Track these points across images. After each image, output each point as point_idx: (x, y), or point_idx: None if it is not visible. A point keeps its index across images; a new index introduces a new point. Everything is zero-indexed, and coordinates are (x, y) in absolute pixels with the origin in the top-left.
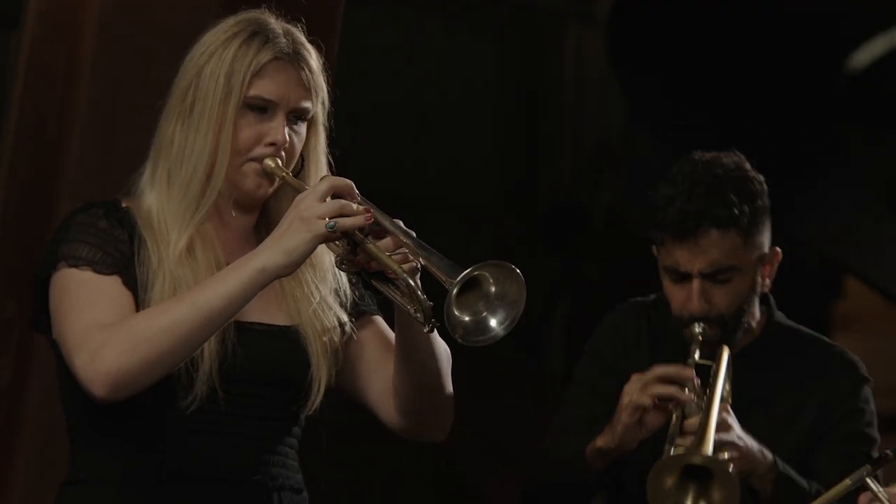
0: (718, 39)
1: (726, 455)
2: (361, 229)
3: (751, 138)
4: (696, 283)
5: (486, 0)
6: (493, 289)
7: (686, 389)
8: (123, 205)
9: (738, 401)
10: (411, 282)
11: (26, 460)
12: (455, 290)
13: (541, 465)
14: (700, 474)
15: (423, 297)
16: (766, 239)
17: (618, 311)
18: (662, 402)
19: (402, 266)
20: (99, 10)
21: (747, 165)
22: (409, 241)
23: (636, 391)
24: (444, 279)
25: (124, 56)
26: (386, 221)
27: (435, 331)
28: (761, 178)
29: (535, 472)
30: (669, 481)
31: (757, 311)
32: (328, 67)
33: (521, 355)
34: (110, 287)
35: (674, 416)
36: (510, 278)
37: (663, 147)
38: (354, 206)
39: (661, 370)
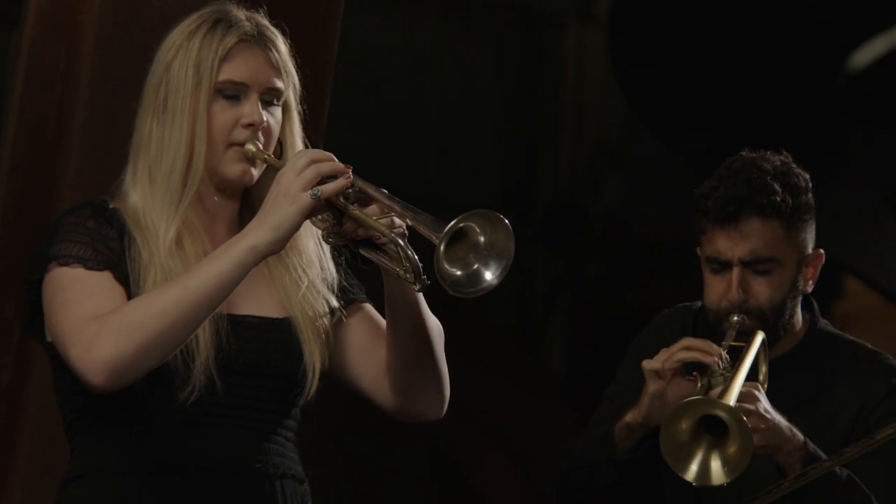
0: (719, 39)
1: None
2: (346, 196)
3: (750, 138)
4: (735, 271)
5: (486, 0)
6: (481, 239)
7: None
8: (111, 206)
9: (781, 403)
10: (400, 241)
11: (26, 460)
12: (443, 244)
13: (574, 449)
14: (717, 429)
15: (412, 255)
16: (809, 238)
17: (664, 315)
18: (688, 376)
19: (391, 228)
20: (98, 9)
21: (793, 163)
22: (394, 204)
23: (660, 360)
24: (431, 235)
25: (124, 56)
26: (370, 189)
27: (426, 303)
28: (807, 176)
29: (568, 457)
30: (685, 428)
31: (800, 316)
32: (295, 51)
33: (522, 354)
34: (102, 282)
35: (698, 384)
36: (497, 227)
37: (663, 147)
38: (331, 167)
39: (687, 341)
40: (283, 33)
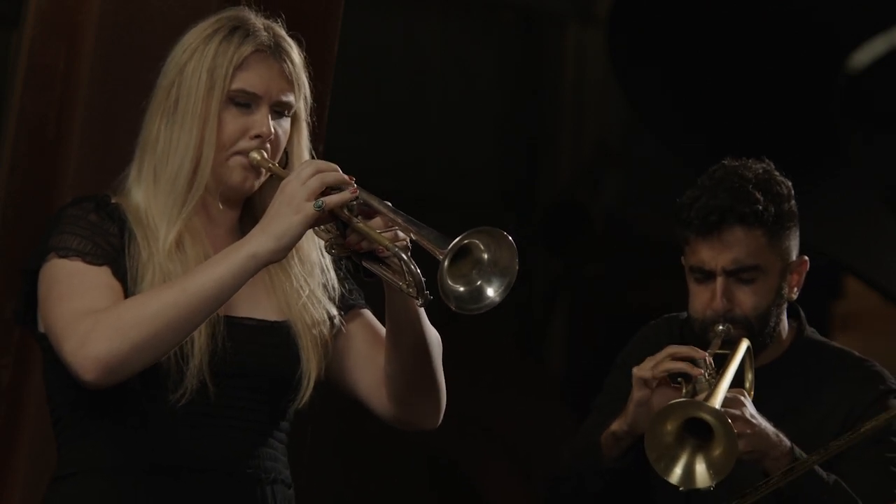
0: (719, 39)
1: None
2: (350, 208)
3: (750, 138)
4: (719, 281)
5: (486, 0)
6: (485, 256)
7: (698, 367)
8: (113, 201)
9: (768, 411)
10: (403, 255)
11: (26, 460)
12: (447, 260)
13: (559, 459)
14: (702, 432)
15: (415, 269)
16: (793, 246)
17: (650, 326)
18: (673, 383)
19: (394, 242)
20: (98, 9)
21: (775, 171)
22: (398, 218)
23: (647, 368)
24: (435, 250)
25: (124, 56)
26: (374, 201)
27: (425, 314)
28: (789, 184)
29: (553, 468)
30: (669, 430)
31: (786, 324)
32: (310, 62)
33: (522, 354)
34: (100, 276)
35: (683, 391)
36: (501, 244)
37: (663, 147)
38: (336, 178)
39: (672, 348)
40: (300, 44)
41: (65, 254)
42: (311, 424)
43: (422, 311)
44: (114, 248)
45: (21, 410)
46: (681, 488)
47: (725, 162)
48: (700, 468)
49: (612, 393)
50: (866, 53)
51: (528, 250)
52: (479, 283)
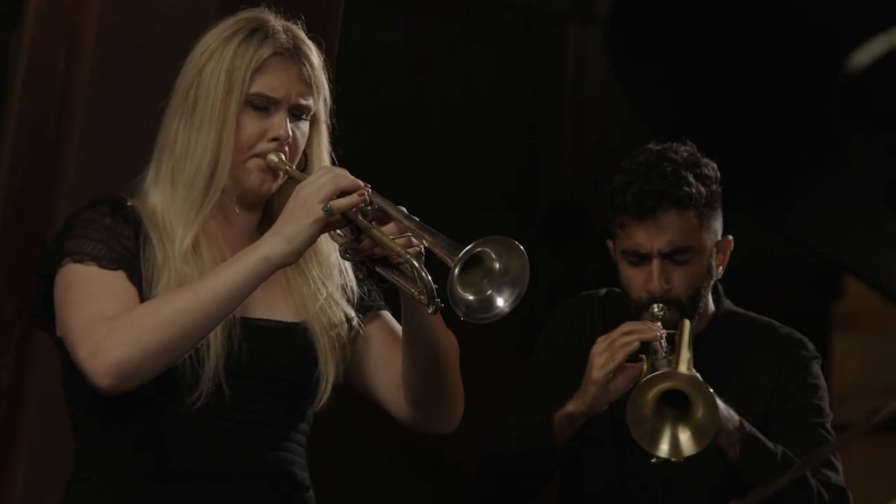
0: (719, 39)
1: None
2: (365, 213)
3: (751, 138)
4: (655, 263)
5: (485, 0)
6: (496, 265)
7: (653, 334)
8: (129, 203)
9: None
10: (415, 262)
11: (26, 460)
12: (457, 268)
13: (506, 437)
14: (676, 404)
15: (426, 277)
16: (719, 226)
17: (570, 304)
18: (630, 362)
19: (406, 249)
20: (98, 9)
21: (699, 153)
22: (412, 225)
23: (604, 348)
24: (446, 258)
25: (124, 56)
26: (389, 207)
27: (441, 319)
28: (714, 165)
29: (499, 447)
30: (648, 406)
31: (710, 298)
32: (329, 64)
33: (522, 354)
34: (115, 281)
35: (644, 367)
36: (513, 254)
37: None
38: (350, 182)
39: (627, 325)
40: (319, 46)
41: (80, 258)
42: (337, 425)
43: (438, 317)
44: (129, 251)
45: (21, 410)
46: (672, 459)
47: (650, 146)
48: (684, 437)
49: (538, 370)
50: (866, 53)
51: (529, 251)
52: (489, 292)
